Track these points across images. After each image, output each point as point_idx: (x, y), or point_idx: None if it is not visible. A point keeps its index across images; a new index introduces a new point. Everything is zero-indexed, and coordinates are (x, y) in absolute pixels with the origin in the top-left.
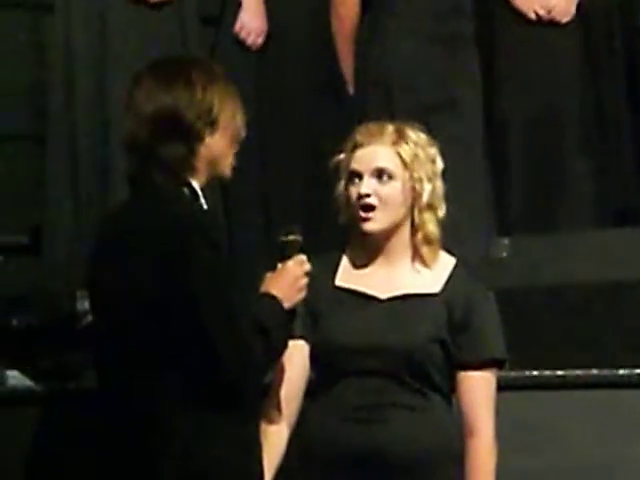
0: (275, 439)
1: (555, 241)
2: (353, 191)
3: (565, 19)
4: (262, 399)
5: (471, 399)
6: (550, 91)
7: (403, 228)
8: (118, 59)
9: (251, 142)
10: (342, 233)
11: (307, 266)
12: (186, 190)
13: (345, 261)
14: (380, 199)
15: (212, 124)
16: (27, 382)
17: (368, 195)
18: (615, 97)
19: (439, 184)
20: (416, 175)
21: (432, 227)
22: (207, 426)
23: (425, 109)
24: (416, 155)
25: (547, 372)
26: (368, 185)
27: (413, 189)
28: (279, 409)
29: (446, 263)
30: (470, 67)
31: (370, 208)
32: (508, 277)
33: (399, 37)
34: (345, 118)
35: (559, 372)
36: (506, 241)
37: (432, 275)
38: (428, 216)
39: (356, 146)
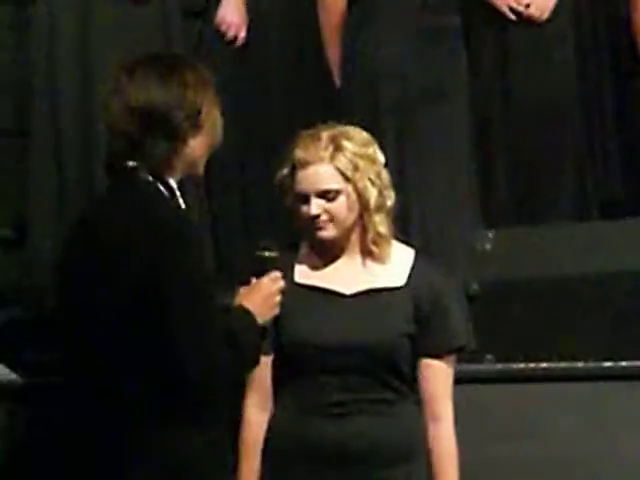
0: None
1: (539, 233)
2: (303, 210)
3: (543, 16)
4: (231, 408)
5: (434, 386)
6: (536, 83)
7: (356, 228)
8: (102, 54)
9: (234, 135)
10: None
11: (282, 283)
12: (162, 188)
13: (301, 259)
14: (329, 215)
15: (197, 126)
16: (11, 376)
17: (318, 216)
18: (600, 89)
19: (384, 176)
20: (360, 185)
21: (382, 228)
22: (169, 432)
23: (412, 100)
24: (355, 166)
25: (531, 364)
26: (317, 206)
27: (359, 197)
28: (256, 404)
29: (405, 255)
30: (456, 58)
31: (321, 222)
32: (492, 269)
33: (386, 28)
34: (331, 110)
35: (543, 364)
36: (490, 233)
37: (394, 268)
38: (377, 218)
39: (296, 166)
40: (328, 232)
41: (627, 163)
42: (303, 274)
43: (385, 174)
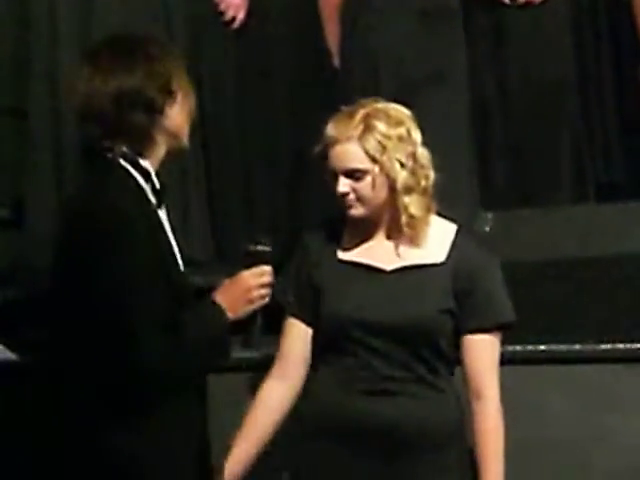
0: (273, 405)
1: (539, 215)
2: (335, 187)
3: None
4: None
5: (478, 364)
6: (535, 66)
7: (388, 209)
8: (102, 34)
9: (233, 117)
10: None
11: (266, 278)
12: (134, 171)
13: (343, 236)
14: (357, 194)
15: (171, 96)
16: (9, 355)
17: (346, 194)
18: (599, 72)
19: (420, 155)
20: (387, 165)
21: (414, 209)
22: (107, 426)
23: (411, 82)
24: (383, 147)
25: (530, 347)
26: (344, 185)
27: (387, 177)
28: (280, 376)
29: (446, 231)
30: (455, 40)
31: (351, 201)
32: (491, 251)
33: (385, 10)
34: (331, 93)
35: (542, 347)
36: (490, 215)
37: (433, 245)
38: (408, 199)
39: (328, 143)
40: (357, 210)
41: (627, 146)
42: (345, 251)
43: (421, 153)
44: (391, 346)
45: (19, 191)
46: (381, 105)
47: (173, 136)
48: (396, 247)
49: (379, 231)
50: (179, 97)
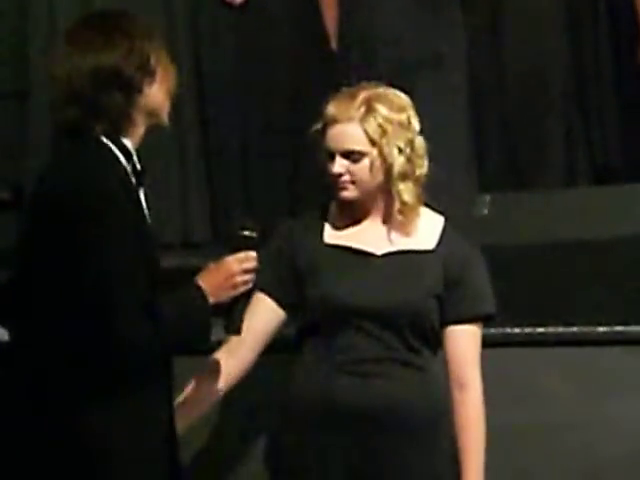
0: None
1: (536, 198)
2: (329, 167)
3: None
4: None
5: (461, 353)
6: (532, 50)
7: (380, 195)
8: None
9: (235, 97)
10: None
11: (250, 264)
12: (116, 150)
13: (330, 220)
14: (352, 176)
15: (150, 74)
16: (8, 337)
17: (341, 174)
18: (597, 57)
19: (417, 144)
20: (386, 150)
21: (407, 196)
22: (93, 400)
23: (409, 64)
24: (384, 130)
25: (528, 329)
26: (340, 165)
27: (384, 162)
28: (231, 350)
29: (435, 221)
30: (454, 23)
31: (344, 182)
32: (489, 234)
33: None
34: (329, 74)
35: (540, 329)
36: (487, 198)
37: (423, 233)
38: (403, 186)
39: (328, 123)
40: (349, 193)
41: (624, 129)
42: (333, 236)
43: (419, 142)
44: (380, 330)
45: (19, 172)
46: (382, 90)
47: (152, 115)
48: (386, 233)
49: (369, 216)
50: (158, 76)
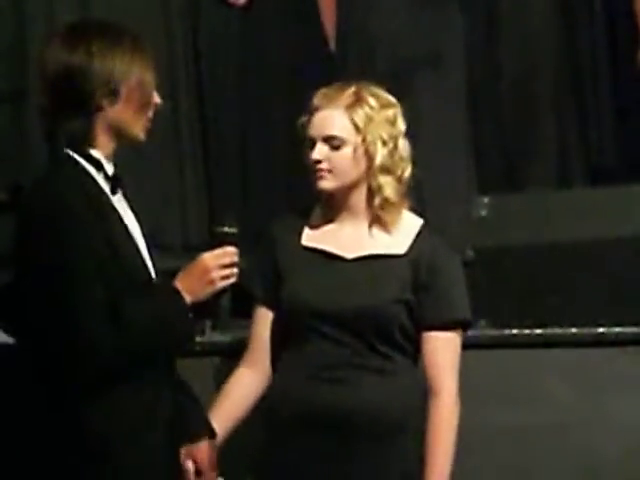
0: (243, 392)
1: (533, 199)
2: (309, 155)
3: None
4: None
5: (435, 360)
6: (529, 51)
7: (361, 189)
8: (102, 14)
9: (234, 99)
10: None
11: (227, 259)
12: (84, 162)
13: (312, 221)
14: (331, 164)
15: (113, 94)
16: (7, 338)
17: (320, 161)
18: (593, 56)
19: (401, 145)
20: (369, 138)
21: (389, 191)
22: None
23: (407, 63)
24: (370, 119)
25: (525, 330)
26: (320, 151)
27: (367, 152)
28: (251, 364)
29: (412, 224)
30: (453, 21)
31: (322, 171)
32: (488, 235)
33: None
34: (327, 73)
35: (538, 330)
36: (486, 199)
37: (398, 236)
38: (384, 179)
39: (313, 110)
40: (327, 183)
41: (619, 131)
42: (310, 237)
43: (403, 143)
44: (346, 335)
45: (17, 174)
46: (373, 87)
47: (119, 133)
48: (361, 236)
49: (347, 214)
50: (124, 94)
